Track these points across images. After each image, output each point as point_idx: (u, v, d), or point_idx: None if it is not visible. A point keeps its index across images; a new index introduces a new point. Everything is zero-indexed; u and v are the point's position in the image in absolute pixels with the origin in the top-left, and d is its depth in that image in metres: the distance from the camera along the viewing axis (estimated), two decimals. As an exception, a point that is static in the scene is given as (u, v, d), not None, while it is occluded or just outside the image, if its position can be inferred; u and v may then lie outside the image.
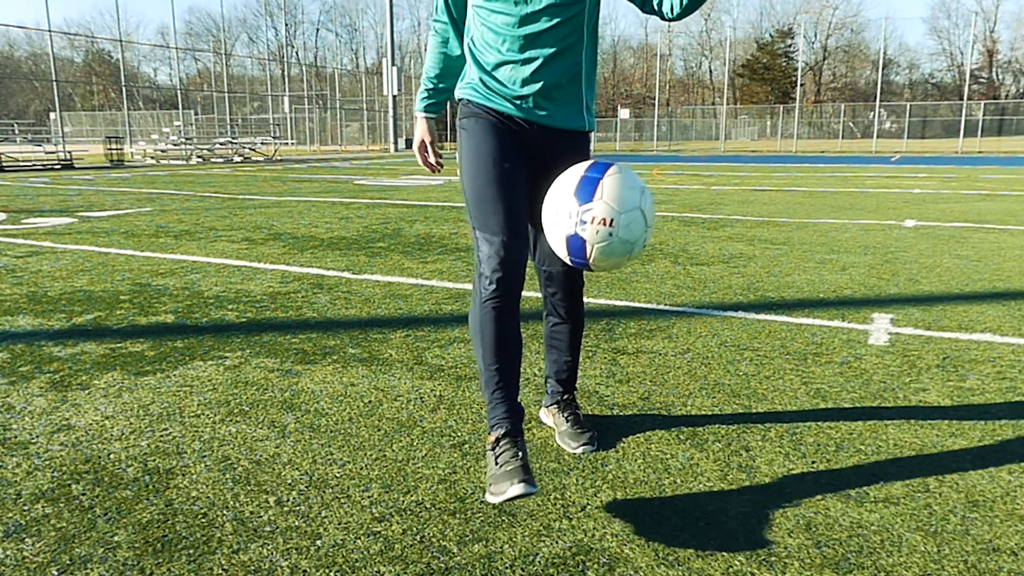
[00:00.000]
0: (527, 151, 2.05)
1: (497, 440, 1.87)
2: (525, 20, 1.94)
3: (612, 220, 1.80)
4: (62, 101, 25.95)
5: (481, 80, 2.03)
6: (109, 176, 16.86)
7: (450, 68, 2.19)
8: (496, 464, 1.81)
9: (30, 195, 11.68)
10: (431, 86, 2.22)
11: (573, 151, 2.07)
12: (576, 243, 1.84)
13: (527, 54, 1.96)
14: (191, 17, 66.65)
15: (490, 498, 1.78)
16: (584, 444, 2.22)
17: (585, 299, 4.33)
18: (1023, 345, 3.31)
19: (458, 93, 2.14)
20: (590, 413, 2.54)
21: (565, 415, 2.33)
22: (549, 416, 2.42)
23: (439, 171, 2.26)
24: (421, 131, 2.24)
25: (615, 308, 4.03)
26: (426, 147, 2.23)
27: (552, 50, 1.96)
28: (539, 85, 1.98)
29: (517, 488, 1.70)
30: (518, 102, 2.00)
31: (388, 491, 2.00)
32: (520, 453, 1.80)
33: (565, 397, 2.37)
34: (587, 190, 1.83)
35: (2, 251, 6.05)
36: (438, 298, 4.27)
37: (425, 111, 2.23)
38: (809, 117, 49.57)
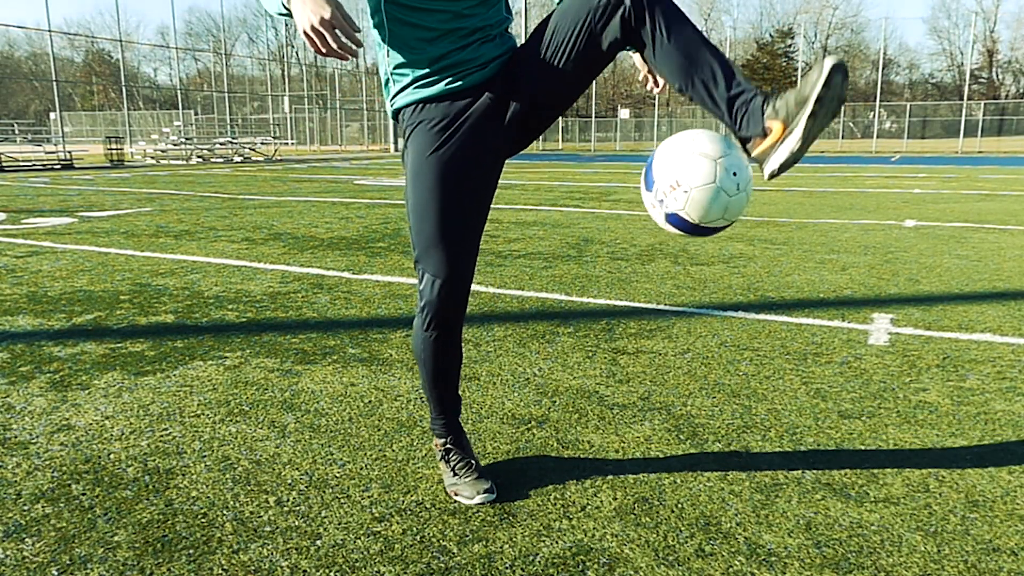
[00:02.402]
0: (491, 124, 1.81)
1: (447, 449, 2.05)
2: (467, 10, 1.75)
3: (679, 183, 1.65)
4: (62, 101, 25.95)
5: (422, 76, 1.78)
6: (109, 176, 16.86)
7: None
8: (455, 475, 2.00)
9: (30, 195, 11.68)
10: None
11: (506, 65, 1.83)
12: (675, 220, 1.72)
13: (473, 37, 1.77)
14: (191, 17, 66.77)
15: (459, 499, 1.96)
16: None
17: (581, 299, 4.35)
18: (1023, 345, 3.31)
19: (396, 103, 1.85)
20: (590, 413, 2.54)
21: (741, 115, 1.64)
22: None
23: (353, 54, 1.52)
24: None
25: (615, 308, 4.03)
26: (339, 17, 1.48)
27: (501, 21, 1.83)
28: (493, 54, 1.81)
29: (481, 496, 1.93)
30: (471, 76, 1.79)
31: (388, 491, 2.00)
32: (473, 462, 2.03)
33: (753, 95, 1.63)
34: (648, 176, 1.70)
35: (2, 251, 6.06)
36: (438, 298, 4.26)
37: None
38: (809, 117, 49.44)
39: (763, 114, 1.59)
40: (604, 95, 61.18)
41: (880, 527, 1.82)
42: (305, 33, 1.49)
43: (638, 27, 1.65)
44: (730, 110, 1.63)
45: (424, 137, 1.81)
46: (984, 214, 8.40)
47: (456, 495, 1.97)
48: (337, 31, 1.48)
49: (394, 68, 1.82)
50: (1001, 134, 38.73)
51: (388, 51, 1.80)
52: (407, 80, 1.82)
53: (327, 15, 1.46)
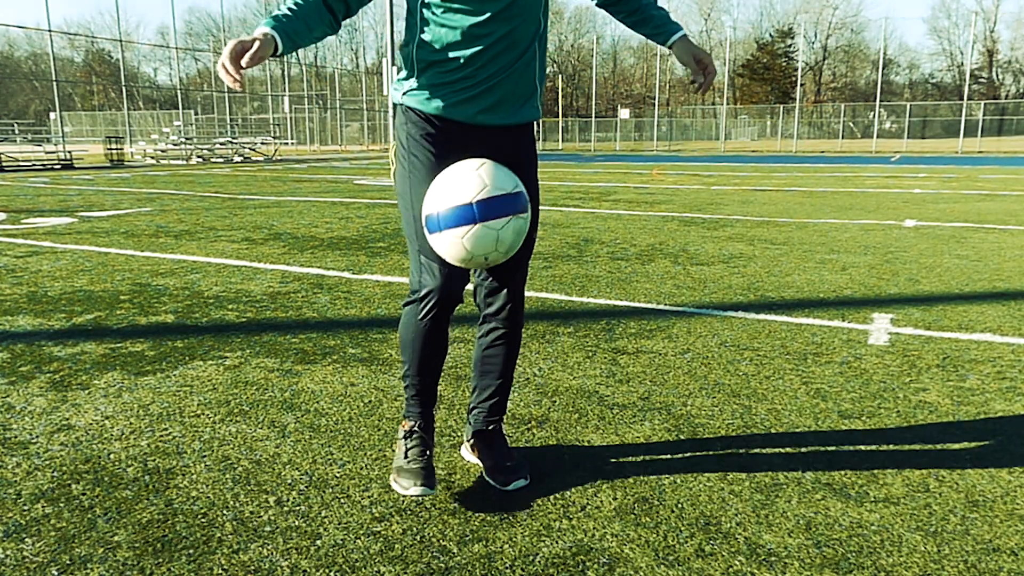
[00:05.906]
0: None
1: (411, 431, 2.02)
2: (494, 19, 1.79)
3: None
4: (62, 101, 25.95)
5: (433, 84, 1.86)
6: (109, 176, 16.86)
7: (317, 19, 1.78)
8: (405, 458, 1.97)
9: (30, 195, 11.68)
10: (291, 14, 1.74)
11: (521, 144, 1.98)
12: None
13: (492, 52, 1.82)
14: (191, 17, 66.79)
15: (396, 488, 1.94)
16: (518, 478, 2.01)
17: (581, 299, 4.35)
18: (1023, 345, 3.31)
19: (402, 100, 1.92)
20: (590, 413, 2.54)
21: (493, 450, 2.08)
22: (473, 453, 2.14)
23: (238, 85, 1.66)
24: (255, 36, 1.68)
25: (615, 308, 4.03)
26: (245, 52, 1.64)
27: (522, 47, 1.86)
28: (505, 86, 1.86)
29: (417, 489, 1.89)
30: (476, 106, 1.87)
31: (388, 491, 2.00)
32: (428, 452, 1.99)
33: (491, 428, 2.11)
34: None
35: (2, 251, 6.05)
36: (438, 298, 4.26)
37: (275, 29, 1.70)
38: (809, 117, 49.57)
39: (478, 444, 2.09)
40: (604, 95, 61.16)
41: (880, 527, 1.82)
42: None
43: (486, 301, 2.04)
44: (471, 409, 2.14)
45: (429, 147, 1.89)
46: (984, 214, 8.40)
47: (395, 481, 1.93)
48: (241, 61, 1.67)
49: (420, 58, 1.86)
50: (1001, 134, 38.75)
51: (420, 30, 1.84)
52: (427, 78, 1.86)
53: (232, 46, 1.66)
